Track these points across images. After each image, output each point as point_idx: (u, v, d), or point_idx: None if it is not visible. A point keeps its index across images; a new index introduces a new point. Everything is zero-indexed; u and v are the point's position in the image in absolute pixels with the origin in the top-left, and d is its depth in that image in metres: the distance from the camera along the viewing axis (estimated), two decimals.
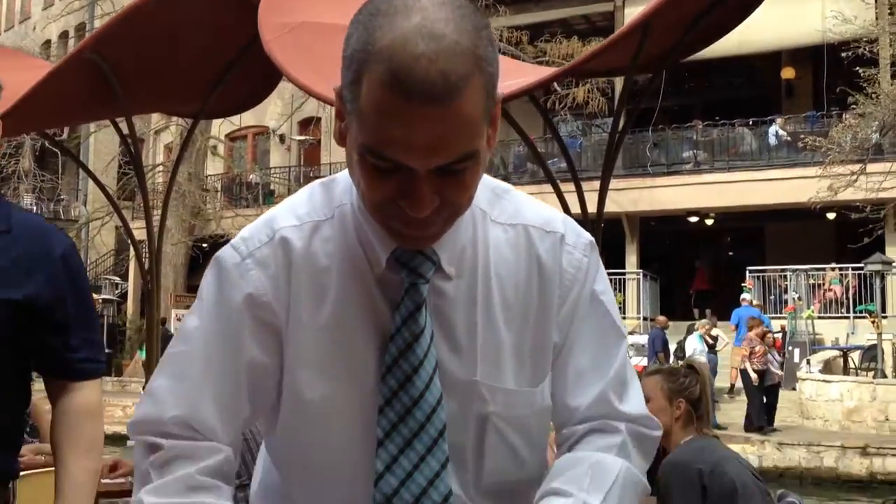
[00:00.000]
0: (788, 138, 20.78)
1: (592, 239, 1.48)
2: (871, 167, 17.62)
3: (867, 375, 16.65)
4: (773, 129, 21.10)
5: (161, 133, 26.62)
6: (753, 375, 14.75)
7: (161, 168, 24.10)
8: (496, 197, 1.44)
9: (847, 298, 19.23)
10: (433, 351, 1.35)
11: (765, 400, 15.02)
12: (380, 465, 1.36)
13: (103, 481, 4.70)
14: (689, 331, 17.18)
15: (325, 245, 1.37)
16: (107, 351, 25.94)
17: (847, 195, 17.30)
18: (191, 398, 1.36)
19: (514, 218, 1.43)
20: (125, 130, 6.83)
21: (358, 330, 1.36)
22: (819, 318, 18.97)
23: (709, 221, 22.19)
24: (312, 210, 1.40)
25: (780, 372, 15.42)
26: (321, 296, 1.36)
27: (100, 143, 26.84)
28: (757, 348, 14.90)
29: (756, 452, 14.07)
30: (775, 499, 3.53)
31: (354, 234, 1.37)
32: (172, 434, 1.36)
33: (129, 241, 8.49)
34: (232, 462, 1.40)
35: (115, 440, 5.65)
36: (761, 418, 14.84)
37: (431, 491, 1.36)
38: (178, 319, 22.10)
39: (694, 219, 21.98)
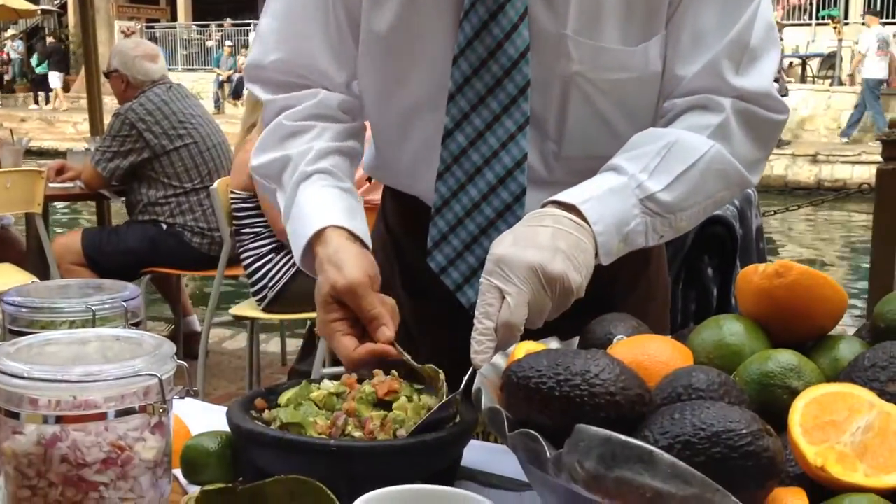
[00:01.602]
0: None
1: None
2: None
3: (824, 83, 16.71)
4: None
5: None
6: None
7: None
8: None
9: (810, 4, 18.95)
10: None
11: None
12: (449, 122, 1.25)
13: (50, 185, 4.62)
14: None
15: None
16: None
17: None
18: (297, 36, 1.33)
19: None
20: None
21: None
22: (781, 24, 18.75)
23: None
24: None
25: None
26: None
27: None
28: None
29: None
30: None
31: None
32: (274, 82, 1.37)
33: None
34: (329, 104, 1.36)
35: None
36: None
37: (503, 154, 1.24)
38: (122, 32, 21.25)
39: None
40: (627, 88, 1.25)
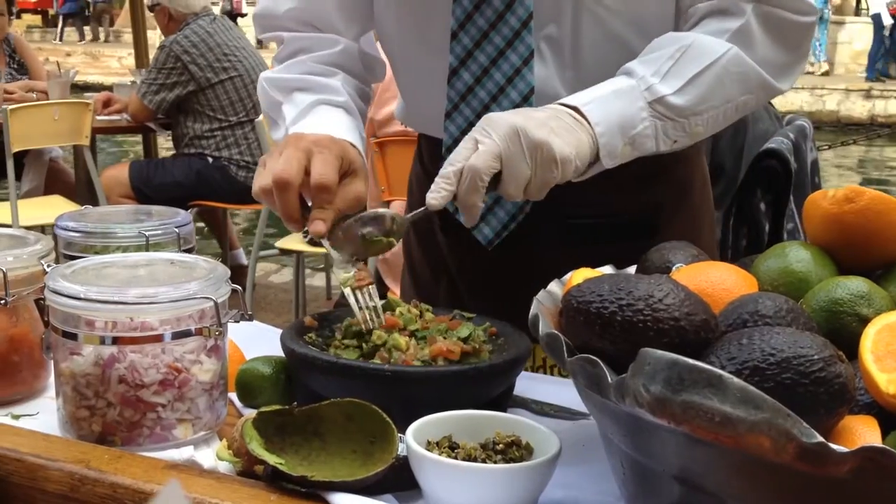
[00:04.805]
0: None
1: None
2: None
3: None
4: None
5: None
6: None
7: None
8: None
9: None
10: None
11: None
12: (453, 60, 1.26)
13: (98, 117, 4.65)
14: None
15: None
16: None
17: None
18: None
19: None
20: None
21: None
22: None
23: None
24: None
25: None
26: None
27: None
28: None
29: None
30: (784, 122, 3.43)
31: None
32: (291, 28, 1.36)
33: None
34: (351, 54, 1.36)
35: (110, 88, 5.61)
36: None
37: (510, 89, 1.24)
38: None
39: None
40: (641, 4, 1.23)
